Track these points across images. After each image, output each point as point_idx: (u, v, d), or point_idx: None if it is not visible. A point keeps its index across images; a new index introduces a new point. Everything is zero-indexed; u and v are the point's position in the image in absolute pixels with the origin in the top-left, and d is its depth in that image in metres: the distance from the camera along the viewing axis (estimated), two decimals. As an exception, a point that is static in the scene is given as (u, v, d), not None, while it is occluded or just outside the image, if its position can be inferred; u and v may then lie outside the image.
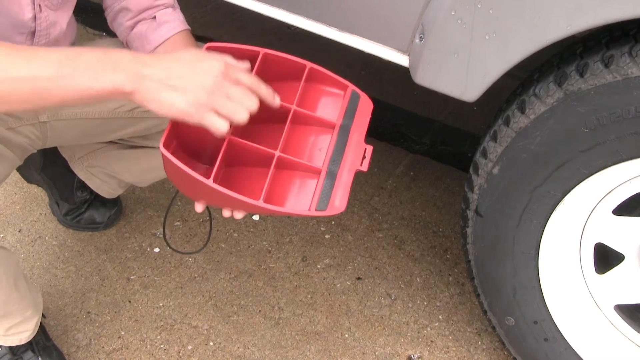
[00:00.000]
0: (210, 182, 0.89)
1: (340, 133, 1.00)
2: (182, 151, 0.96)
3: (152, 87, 0.86)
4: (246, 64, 0.96)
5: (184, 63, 0.89)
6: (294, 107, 0.99)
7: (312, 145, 1.02)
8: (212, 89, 0.88)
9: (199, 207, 1.02)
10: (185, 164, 0.89)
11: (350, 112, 1.02)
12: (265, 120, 1.02)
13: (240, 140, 0.94)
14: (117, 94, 0.86)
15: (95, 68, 0.84)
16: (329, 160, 0.96)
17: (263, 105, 0.98)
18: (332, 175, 0.96)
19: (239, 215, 0.99)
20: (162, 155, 0.91)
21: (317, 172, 0.96)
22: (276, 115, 0.99)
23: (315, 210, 0.93)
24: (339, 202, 0.94)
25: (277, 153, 0.95)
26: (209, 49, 0.99)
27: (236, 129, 0.95)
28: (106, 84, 0.84)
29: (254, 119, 1.01)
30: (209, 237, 1.30)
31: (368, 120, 1.02)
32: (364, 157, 0.99)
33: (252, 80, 0.93)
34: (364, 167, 0.98)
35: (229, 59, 0.93)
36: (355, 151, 0.99)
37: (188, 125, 0.91)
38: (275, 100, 0.96)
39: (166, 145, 0.91)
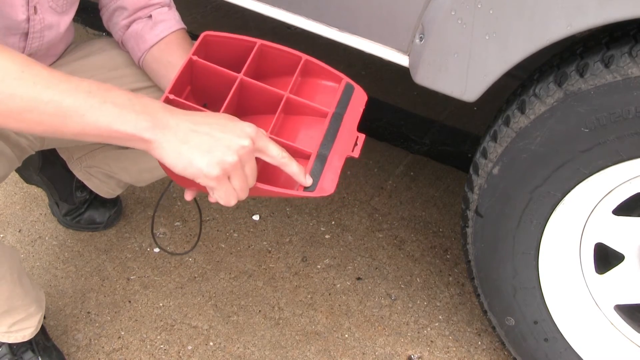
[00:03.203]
0: None
1: (333, 121, 1.00)
2: None
3: (172, 140, 0.81)
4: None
5: (215, 121, 0.85)
6: (286, 94, 0.98)
7: (305, 134, 1.02)
8: (239, 153, 0.83)
9: (189, 195, 0.99)
10: None
11: (343, 102, 1.02)
12: (258, 111, 1.02)
13: None
14: (135, 140, 0.81)
15: (122, 106, 0.80)
16: (319, 144, 0.97)
17: (256, 94, 0.98)
18: (322, 159, 0.96)
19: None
20: None
21: (308, 156, 0.97)
22: (269, 106, 0.99)
23: (304, 190, 0.93)
24: (328, 184, 0.94)
25: (267, 135, 0.95)
26: (206, 37, 0.99)
27: None
28: (127, 127, 0.80)
29: (247, 109, 1.01)
30: (199, 236, 1.30)
31: (361, 110, 1.03)
32: (355, 144, 0.99)
33: (283, 154, 0.89)
34: (355, 154, 0.98)
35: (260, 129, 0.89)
36: (347, 138, 0.99)
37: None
38: (306, 180, 0.92)
39: None
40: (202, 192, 1.02)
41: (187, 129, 0.82)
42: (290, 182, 0.97)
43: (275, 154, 0.89)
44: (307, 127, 1.01)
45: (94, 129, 0.80)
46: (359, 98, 1.04)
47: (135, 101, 0.82)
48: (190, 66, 0.97)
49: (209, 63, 0.97)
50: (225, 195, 0.86)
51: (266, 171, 0.97)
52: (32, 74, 0.79)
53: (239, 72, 0.98)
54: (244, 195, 0.87)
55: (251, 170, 0.87)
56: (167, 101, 0.91)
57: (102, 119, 0.80)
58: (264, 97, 0.99)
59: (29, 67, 0.80)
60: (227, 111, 0.94)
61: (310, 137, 1.01)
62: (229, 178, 0.84)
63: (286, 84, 1.02)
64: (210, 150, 0.82)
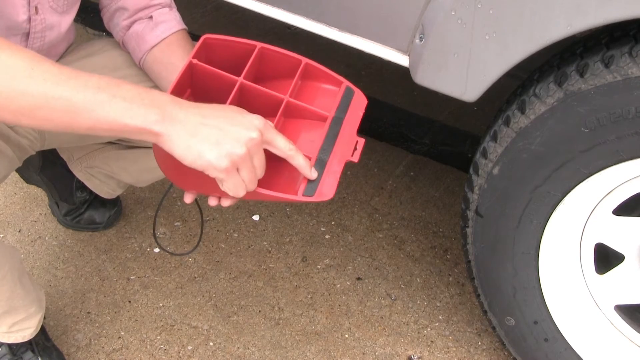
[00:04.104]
0: None
1: (333, 125, 1.00)
2: None
3: (181, 133, 0.81)
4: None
5: (223, 114, 0.85)
6: (286, 97, 0.99)
7: (305, 138, 1.02)
8: (247, 145, 0.84)
9: (188, 198, 0.99)
10: None
11: (343, 106, 1.02)
12: (258, 114, 1.02)
13: None
14: (144, 133, 0.82)
15: (131, 100, 0.81)
16: (319, 149, 0.97)
17: (256, 98, 0.98)
18: (321, 163, 0.96)
19: (225, 202, 0.96)
20: None
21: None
22: (269, 109, 0.99)
23: (303, 195, 0.93)
24: (327, 189, 0.94)
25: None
26: (206, 40, 0.99)
27: None
28: (137, 120, 0.80)
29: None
30: (200, 237, 1.30)
31: (361, 114, 1.03)
32: (355, 148, 0.99)
33: (290, 146, 0.89)
34: (355, 158, 0.98)
35: (267, 121, 0.89)
36: (346, 142, 0.99)
37: None
38: (312, 173, 0.93)
39: None
40: (202, 194, 1.02)
41: (196, 121, 0.83)
42: (289, 186, 0.97)
43: (283, 146, 0.89)
44: (307, 130, 1.02)
45: (104, 124, 0.81)
46: (359, 102, 1.04)
47: (145, 95, 0.82)
48: (190, 69, 0.97)
49: (209, 66, 0.97)
50: (234, 186, 0.86)
51: (265, 175, 0.97)
52: (42, 71, 0.79)
53: (239, 74, 0.98)
54: (252, 186, 0.88)
55: (259, 162, 0.87)
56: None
57: (111, 113, 0.80)
58: (264, 100, 0.99)
59: (38, 63, 0.80)
60: None
61: (310, 141, 1.01)
62: (237, 170, 0.85)
63: (286, 87, 1.02)
64: (219, 143, 0.82)
